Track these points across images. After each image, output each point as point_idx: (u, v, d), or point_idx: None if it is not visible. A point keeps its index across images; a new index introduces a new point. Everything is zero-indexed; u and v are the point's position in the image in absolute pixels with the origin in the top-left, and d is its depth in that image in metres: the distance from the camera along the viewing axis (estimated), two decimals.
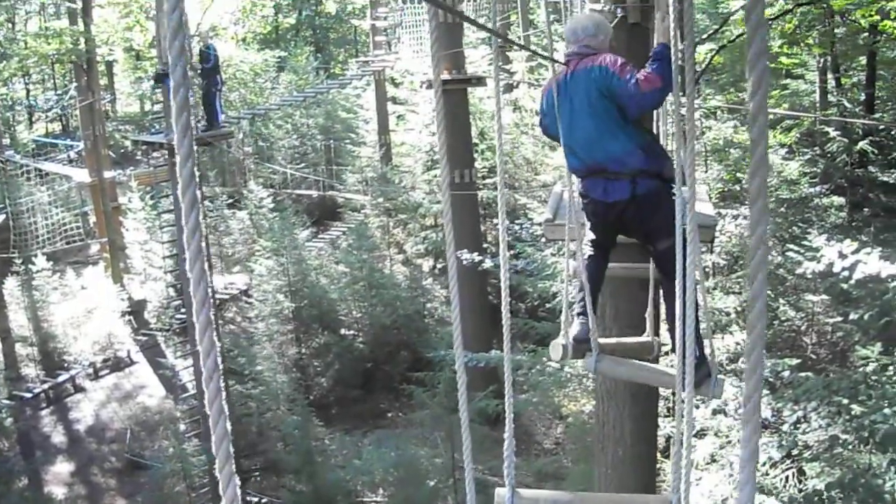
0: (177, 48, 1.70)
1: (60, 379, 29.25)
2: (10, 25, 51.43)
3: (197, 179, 1.73)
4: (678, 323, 5.42)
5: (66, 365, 30.28)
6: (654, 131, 8.22)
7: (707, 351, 6.64)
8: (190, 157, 1.70)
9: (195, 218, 1.73)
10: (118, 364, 30.80)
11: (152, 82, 29.20)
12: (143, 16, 37.11)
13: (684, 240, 5.07)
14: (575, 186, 7.06)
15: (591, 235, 7.25)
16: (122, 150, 49.87)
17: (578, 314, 7.10)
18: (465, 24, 27.93)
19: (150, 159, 27.87)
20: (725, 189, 21.78)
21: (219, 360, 1.82)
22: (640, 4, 9.56)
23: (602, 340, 7.34)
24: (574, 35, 7.05)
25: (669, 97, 6.82)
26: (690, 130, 4.31)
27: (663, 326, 8.12)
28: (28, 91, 60.11)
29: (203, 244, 1.76)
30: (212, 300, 1.80)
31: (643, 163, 6.62)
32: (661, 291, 7.38)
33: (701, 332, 6.78)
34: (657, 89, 6.45)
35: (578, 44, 6.99)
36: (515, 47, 36.21)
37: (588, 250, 7.20)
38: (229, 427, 1.90)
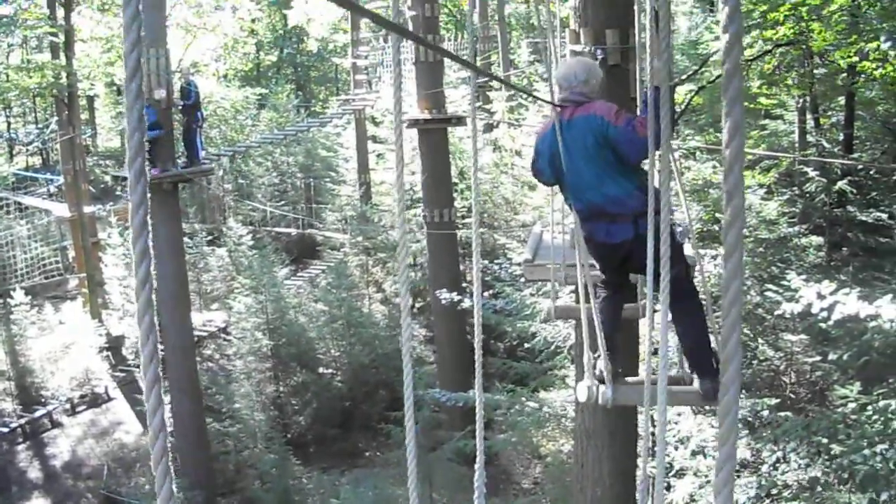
0: (133, 91, 1.66)
1: (37, 414, 29.08)
2: None
3: (149, 229, 1.69)
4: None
5: (43, 400, 30.10)
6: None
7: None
8: (143, 204, 1.65)
9: (146, 269, 1.69)
10: (95, 400, 30.63)
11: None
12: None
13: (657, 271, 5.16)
14: (576, 227, 7.13)
15: (601, 276, 7.46)
16: (103, 185, 49.81)
17: (600, 356, 7.22)
18: (446, 64, 28.00)
19: (129, 195, 27.82)
20: (704, 229, 21.82)
21: (165, 417, 1.79)
22: (620, 46, 9.64)
23: (630, 379, 7.44)
24: (567, 82, 7.12)
25: None
26: (666, 168, 4.32)
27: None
28: (9, 124, 60.23)
29: (153, 297, 1.72)
30: (160, 356, 1.75)
31: (643, 204, 6.67)
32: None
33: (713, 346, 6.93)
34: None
35: (571, 90, 7.08)
36: (496, 87, 36.34)
37: (601, 291, 7.40)
38: (175, 489, 1.87)
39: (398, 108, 3.17)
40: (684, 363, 7.11)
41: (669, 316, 6.76)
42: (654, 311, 6.22)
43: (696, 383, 6.92)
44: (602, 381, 7.18)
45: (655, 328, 6.48)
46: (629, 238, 6.81)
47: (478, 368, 5.19)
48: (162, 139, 22.41)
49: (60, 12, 34.41)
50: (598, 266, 7.35)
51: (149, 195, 1.66)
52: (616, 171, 6.78)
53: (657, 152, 5.85)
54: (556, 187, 7.66)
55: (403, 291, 3.36)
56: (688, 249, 8.06)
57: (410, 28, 23.65)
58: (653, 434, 6.69)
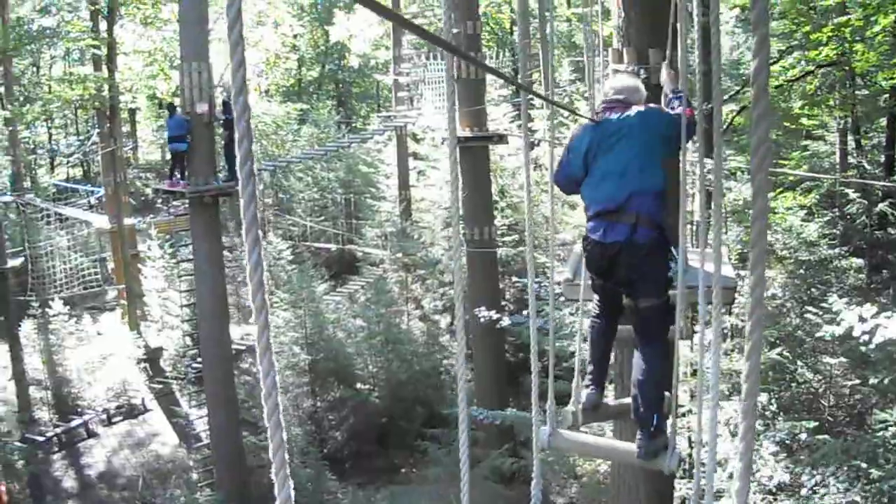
0: (241, 104, 1.79)
1: (73, 424, 29.24)
2: (34, 69, 51.85)
3: (259, 221, 1.84)
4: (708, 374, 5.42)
5: (79, 410, 30.28)
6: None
7: (669, 422, 6.68)
8: (252, 201, 1.84)
9: (257, 255, 1.90)
10: (132, 411, 30.78)
11: (166, 113, 29.21)
12: (166, 64, 37.38)
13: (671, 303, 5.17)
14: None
15: (595, 298, 7.48)
16: (143, 198, 50.17)
17: (586, 385, 7.34)
18: (487, 81, 27.98)
19: (169, 208, 27.96)
20: (745, 250, 21.73)
21: (277, 379, 2.05)
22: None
23: (621, 401, 7.45)
24: (615, 88, 7.27)
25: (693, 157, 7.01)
26: (717, 189, 4.29)
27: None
28: (50, 135, 60.65)
29: (266, 279, 1.89)
30: (270, 326, 1.94)
31: (650, 208, 6.74)
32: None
33: (665, 403, 6.85)
34: (695, 121, 6.65)
35: (621, 94, 7.19)
36: (538, 106, 36.35)
37: (593, 319, 7.48)
38: (285, 437, 2.02)
39: (452, 125, 3.16)
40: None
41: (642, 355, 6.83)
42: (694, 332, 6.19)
43: (637, 437, 6.79)
44: (588, 411, 7.35)
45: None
46: (621, 240, 6.75)
47: (534, 389, 5.20)
48: (202, 152, 22.38)
49: (103, 25, 34.67)
50: (591, 284, 7.41)
51: (258, 194, 1.81)
52: (647, 165, 6.83)
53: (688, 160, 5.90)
54: None
55: (459, 317, 3.35)
56: (729, 271, 8.03)
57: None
58: (690, 456, 6.67)
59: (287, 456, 2.01)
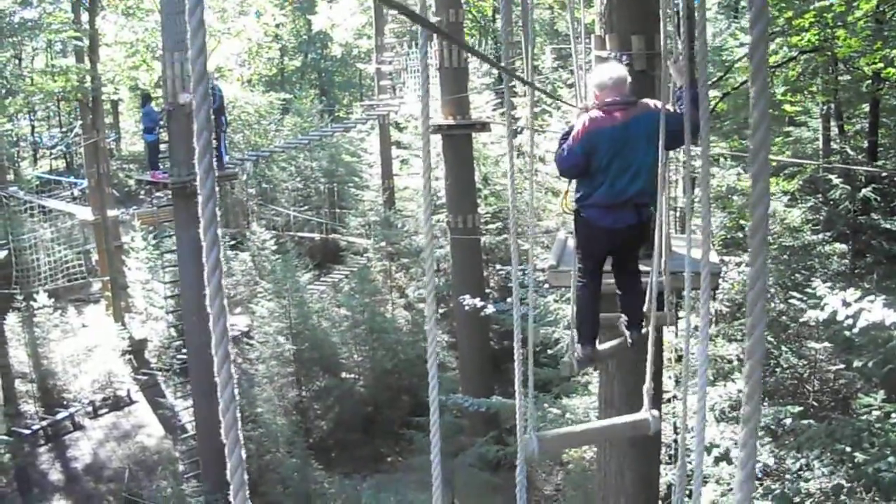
0: (200, 93, 1.72)
1: (59, 416, 29.21)
2: (16, 62, 51.64)
3: (218, 219, 1.77)
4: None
5: (65, 402, 30.23)
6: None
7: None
8: (212, 197, 1.75)
9: (216, 256, 1.84)
10: (117, 403, 30.73)
11: (140, 105, 29.12)
12: (149, 55, 37.28)
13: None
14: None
15: (582, 266, 8.07)
16: (126, 189, 50.02)
17: (580, 342, 8.11)
18: (470, 70, 27.94)
19: (153, 199, 27.85)
20: (728, 236, 21.75)
21: (236, 391, 1.90)
22: (646, 52, 9.64)
23: (607, 345, 8.01)
24: (617, 84, 7.53)
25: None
26: (704, 176, 4.30)
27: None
28: (33, 127, 60.37)
29: (223, 281, 1.83)
30: (229, 335, 1.86)
31: (649, 197, 7.57)
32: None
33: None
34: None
35: (618, 93, 7.50)
36: (521, 94, 36.33)
37: (580, 280, 8.07)
38: (244, 454, 1.99)
39: (425, 112, 3.15)
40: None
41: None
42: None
43: (628, 335, 7.93)
44: (583, 363, 8.23)
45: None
46: (632, 223, 7.57)
47: (517, 375, 5.25)
48: (185, 143, 22.30)
49: (85, 16, 34.55)
50: (583, 253, 7.97)
51: (217, 188, 1.72)
52: (651, 165, 7.38)
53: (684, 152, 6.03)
54: None
55: (430, 298, 3.34)
56: (714, 257, 8.23)
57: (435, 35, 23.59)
58: (675, 441, 6.72)
59: (246, 476, 2.00)
